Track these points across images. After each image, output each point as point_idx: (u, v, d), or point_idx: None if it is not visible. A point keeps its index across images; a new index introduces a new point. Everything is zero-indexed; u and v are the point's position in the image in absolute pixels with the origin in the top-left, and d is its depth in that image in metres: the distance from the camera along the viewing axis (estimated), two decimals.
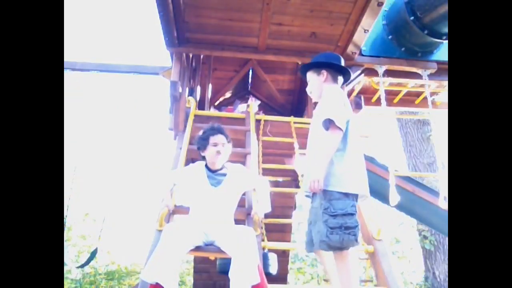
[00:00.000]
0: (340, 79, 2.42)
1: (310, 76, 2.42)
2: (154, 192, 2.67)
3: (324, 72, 2.35)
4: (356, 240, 2.00)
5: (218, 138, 2.50)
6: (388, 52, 4.22)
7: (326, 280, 8.55)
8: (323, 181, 2.04)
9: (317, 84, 2.38)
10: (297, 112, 5.63)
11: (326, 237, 1.98)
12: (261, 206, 2.51)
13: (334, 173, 2.07)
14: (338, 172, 2.06)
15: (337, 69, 2.39)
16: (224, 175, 2.49)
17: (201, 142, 2.54)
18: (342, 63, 2.43)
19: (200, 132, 2.59)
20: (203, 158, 2.58)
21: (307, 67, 2.45)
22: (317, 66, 2.40)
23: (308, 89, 2.44)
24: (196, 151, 3.25)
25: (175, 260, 2.09)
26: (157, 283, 2.01)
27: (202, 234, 2.31)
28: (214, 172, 2.49)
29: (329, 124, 2.11)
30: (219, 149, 2.46)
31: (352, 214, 2.02)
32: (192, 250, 2.26)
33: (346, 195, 2.05)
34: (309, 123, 4.18)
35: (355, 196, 2.10)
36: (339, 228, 1.97)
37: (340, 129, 2.09)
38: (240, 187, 2.55)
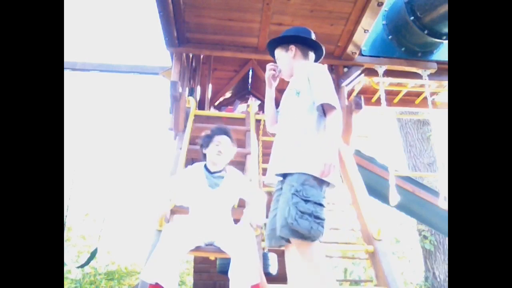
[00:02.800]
0: (311, 55, 2.19)
1: (278, 53, 2.19)
2: (153, 199, 2.60)
3: (293, 48, 2.12)
4: (322, 234, 1.79)
5: (222, 139, 2.46)
6: (388, 52, 4.22)
7: None
8: (295, 163, 1.86)
9: (286, 61, 2.15)
10: None
11: (294, 220, 1.75)
12: (255, 217, 2.43)
13: (313, 156, 1.86)
14: (318, 156, 1.84)
15: (307, 44, 2.16)
16: (222, 177, 2.46)
17: (205, 140, 2.51)
18: (313, 36, 2.18)
19: (208, 131, 2.56)
20: (204, 156, 2.55)
21: (273, 44, 2.20)
22: (284, 41, 2.16)
23: (277, 69, 2.21)
24: (196, 151, 3.22)
25: (175, 260, 2.09)
26: (156, 283, 2.01)
27: (202, 234, 2.31)
28: (212, 174, 2.46)
29: (322, 108, 1.94)
30: (221, 149, 2.43)
31: (323, 206, 1.82)
32: (192, 250, 2.26)
33: (321, 183, 1.85)
34: None
35: (327, 186, 1.89)
36: (309, 215, 1.76)
37: (337, 108, 1.91)
38: (236, 192, 2.52)
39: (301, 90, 2.02)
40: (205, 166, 2.50)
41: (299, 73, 2.09)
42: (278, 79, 2.21)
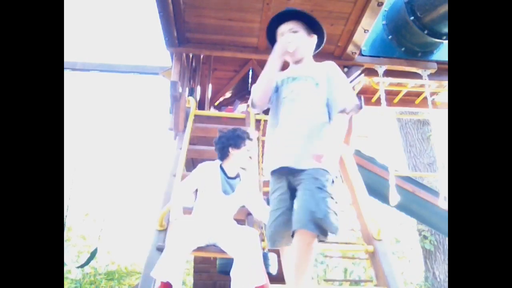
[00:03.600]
0: None
1: (298, 27, 1.95)
2: (167, 205, 2.53)
3: (315, 38, 1.99)
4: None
5: (252, 144, 2.42)
6: (388, 52, 4.22)
7: (326, 280, 8.55)
8: (319, 158, 1.70)
9: (307, 44, 1.98)
10: None
11: (325, 216, 1.64)
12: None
13: (331, 154, 1.74)
14: (334, 154, 1.76)
15: (319, 42, 2.03)
16: (237, 184, 2.41)
17: (237, 140, 2.36)
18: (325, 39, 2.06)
19: (236, 130, 2.42)
20: (223, 154, 2.39)
21: (298, 16, 1.96)
22: (313, 25, 1.98)
23: (286, 40, 1.92)
24: (196, 151, 3.22)
25: (184, 260, 2.12)
26: (167, 282, 2.02)
27: (207, 236, 2.31)
28: (229, 178, 2.38)
29: (348, 110, 1.85)
30: (251, 155, 2.44)
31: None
32: (193, 250, 2.26)
33: (332, 182, 1.80)
34: None
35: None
36: (336, 213, 1.68)
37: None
38: (245, 200, 2.49)
39: (320, 83, 1.91)
40: (222, 167, 2.39)
41: (314, 64, 1.97)
42: (283, 58, 1.97)
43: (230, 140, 2.34)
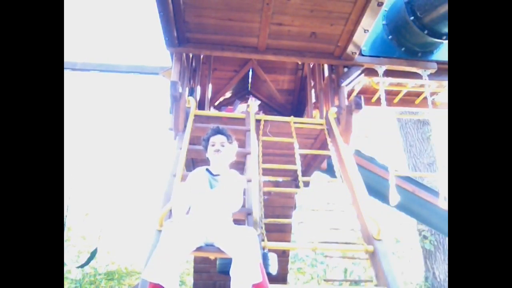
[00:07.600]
0: None
1: None
2: (168, 206, 2.59)
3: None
4: None
5: (217, 138, 2.54)
6: (388, 52, 4.22)
7: (326, 280, 8.56)
8: None
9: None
10: (297, 112, 5.63)
11: None
12: None
13: None
14: None
15: None
16: (220, 177, 2.49)
17: (204, 144, 2.60)
18: None
19: (204, 135, 2.64)
20: (208, 160, 2.60)
21: None
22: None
23: None
24: (196, 151, 3.25)
25: (176, 261, 2.09)
26: (157, 283, 2.01)
27: (203, 235, 2.31)
28: (214, 175, 2.50)
29: None
30: (217, 148, 2.50)
31: None
32: (192, 250, 2.26)
33: None
34: (309, 123, 4.20)
35: None
36: None
37: None
38: (231, 191, 2.51)
39: None
40: (207, 169, 2.54)
41: None
42: None
43: (203, 147, 2.61)
